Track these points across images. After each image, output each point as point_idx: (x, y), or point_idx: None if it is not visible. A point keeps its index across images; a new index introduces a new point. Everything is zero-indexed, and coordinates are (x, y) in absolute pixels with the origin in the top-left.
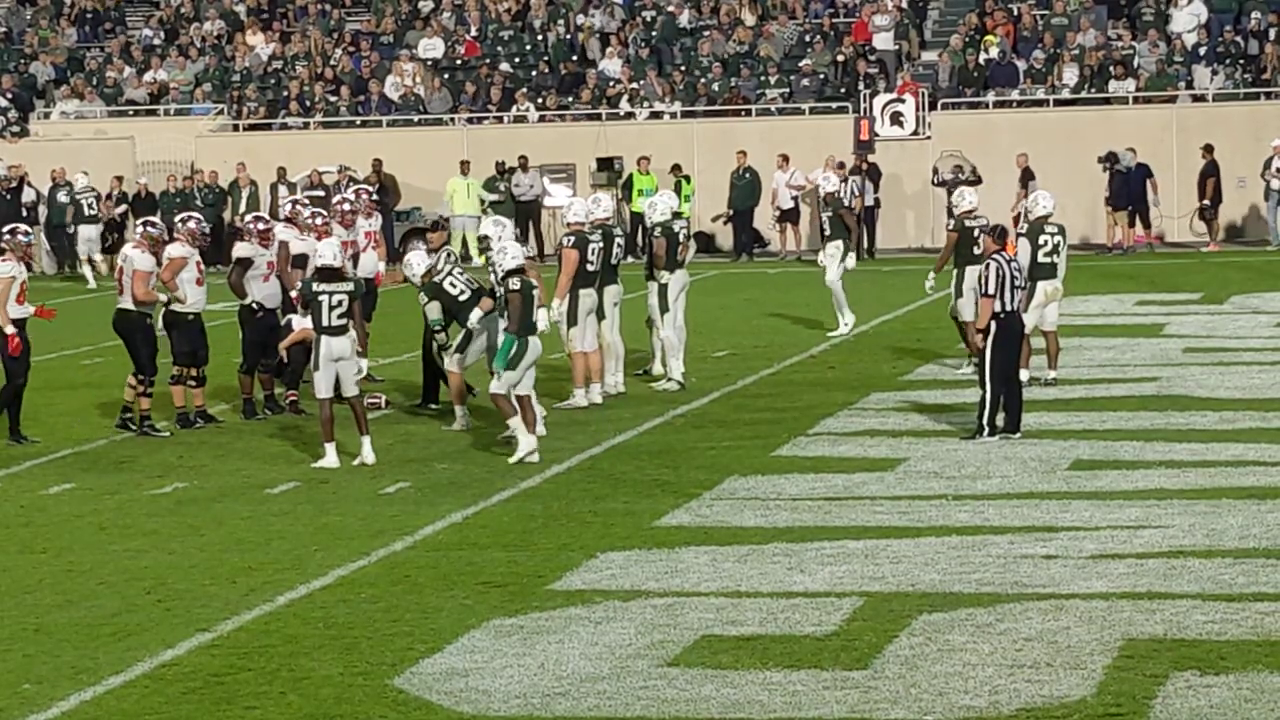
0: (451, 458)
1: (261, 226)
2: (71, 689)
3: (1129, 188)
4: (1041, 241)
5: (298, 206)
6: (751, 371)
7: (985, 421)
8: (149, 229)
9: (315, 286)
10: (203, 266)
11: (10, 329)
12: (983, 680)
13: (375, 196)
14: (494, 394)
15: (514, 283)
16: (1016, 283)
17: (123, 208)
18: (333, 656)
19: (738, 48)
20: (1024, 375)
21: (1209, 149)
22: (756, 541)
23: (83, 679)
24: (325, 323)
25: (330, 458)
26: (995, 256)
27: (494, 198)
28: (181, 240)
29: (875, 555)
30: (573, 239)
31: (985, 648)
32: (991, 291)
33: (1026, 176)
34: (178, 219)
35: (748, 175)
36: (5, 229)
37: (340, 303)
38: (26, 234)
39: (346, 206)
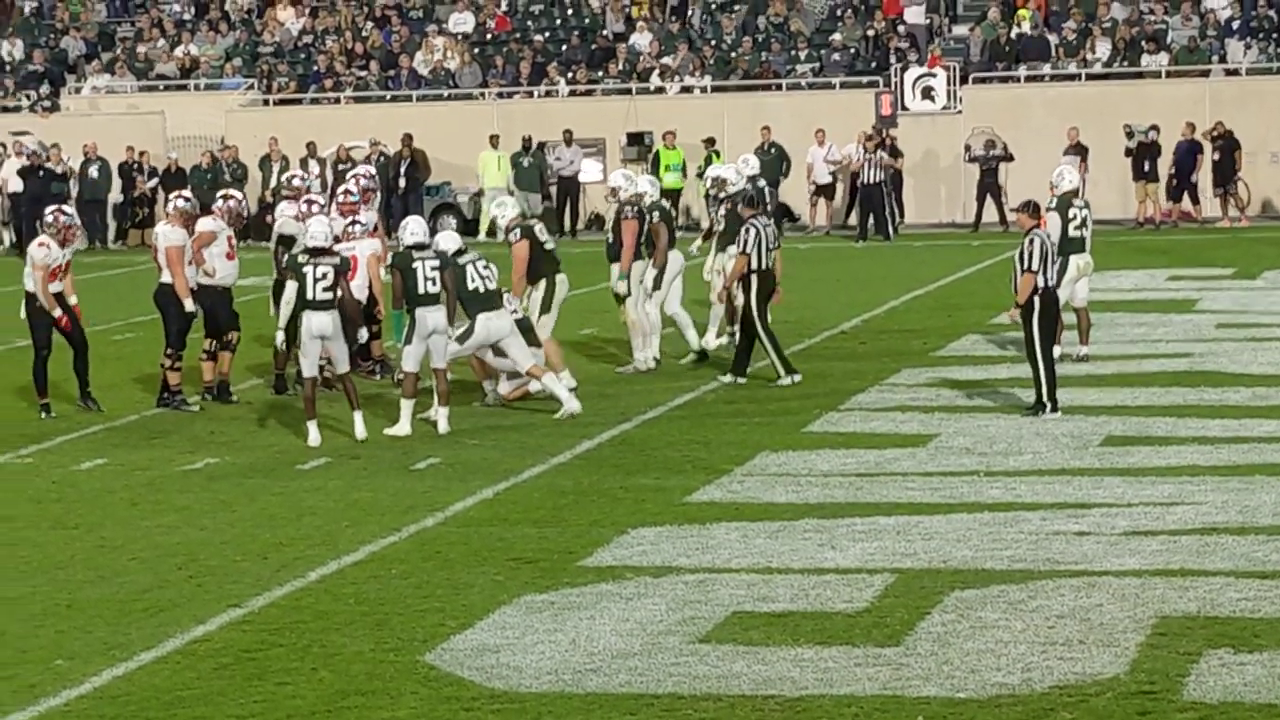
0: (481, 434)
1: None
2: (104, 665)
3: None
4: (1071, 215)
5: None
6: (783, 347)
7: (1047, 397)
8: (180, 203)
9: (301, 259)
10: (234, 241)
11: (58, 311)
12: (1015, 657)
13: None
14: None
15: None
16: (1055, 259)
17: (153, 182)
18: (364, 632)
19: (770, 21)
20: (1056, 351)
21: (1218, 126)
22: (788, 518)
23: (115, 654)
24: (310, 296)
25: (314, 436)
26: (1036, 232)
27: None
28: (215, 215)
29: (907, 531)
30: (634, 210)
31: (1018, 625)
32: (1035, 267)
33: (1077, 150)
34: (219, 195)
35: (773, 150)
36: (48, 210)
37: (325, 275)
38: (68, 215)
39: (351, 198)
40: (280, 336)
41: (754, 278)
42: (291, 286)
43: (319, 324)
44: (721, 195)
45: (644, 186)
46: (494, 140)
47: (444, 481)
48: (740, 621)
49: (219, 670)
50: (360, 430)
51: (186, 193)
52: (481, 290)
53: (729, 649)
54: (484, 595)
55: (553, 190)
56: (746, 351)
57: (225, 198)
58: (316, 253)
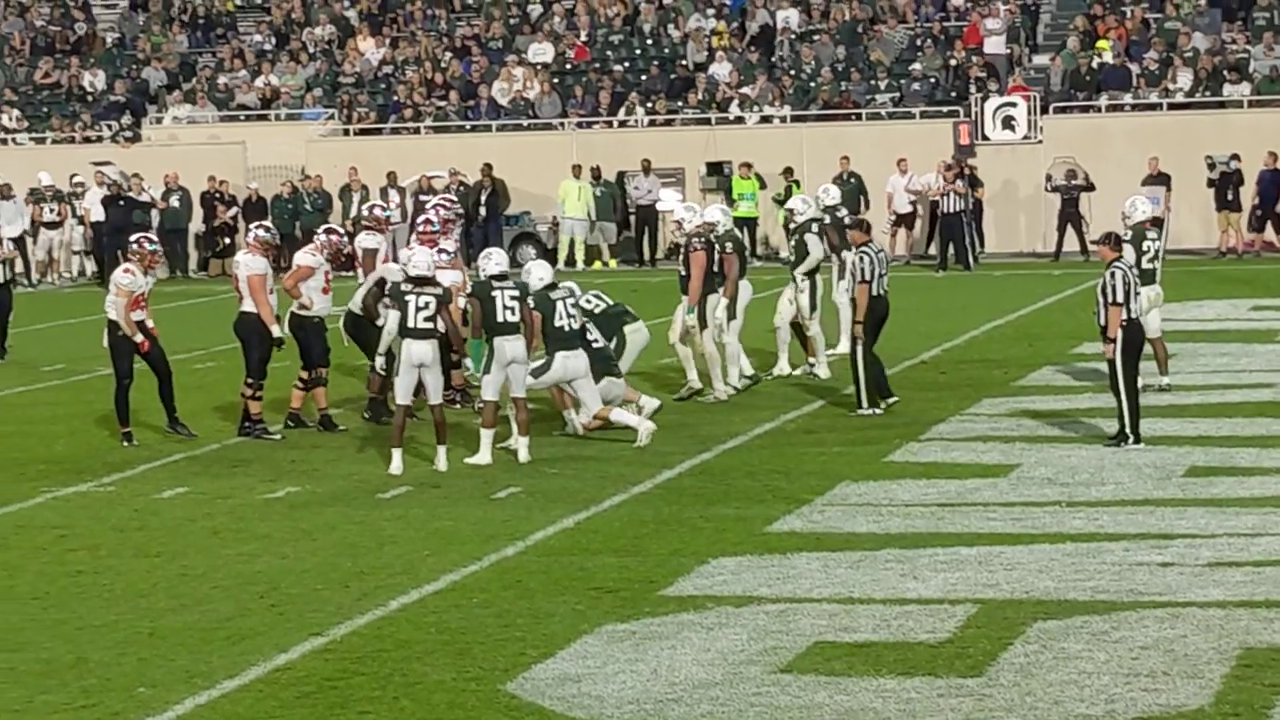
0: (562, 463)
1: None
2: (186, 693)
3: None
4: (1145, 247)
5: (376, 210)
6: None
7: (1130, 429)
8: (261, 233)
9: (404, 287)
10: (330, 275)
11: (139, 336)
12: (1099, 689)
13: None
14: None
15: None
16: (1136, 290)
17: (234, 211)
18: (445, 662)
19: (849, 51)
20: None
21: (1274, 155)
22: (869, 548)
23: (197, 683)
24: (410, 324)
25: (396, 464)
26: (1118, 264)
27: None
28: (315, 250)
29: (989, 562)
30: (701, 241)
31: (1101, 656)
32: (1120, 299)
33: (1156, 180)
34: (322, 230)
35: (852, 180)
36: (133, 238)
37: (427, 304)
38: (153, 242)
39: (429, 229)
40: (380, 362)
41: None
42: (393, 315)
43: (419, 352)
44: (791, 225)
45: (715, 216)
46: (575, 170)
47: (524, 510)
48: (822, 652)
49: (301, 699)
50: (442, 463)
51: (267, 223)
52: (566, 329)
53: (811, 679)
54: (565, 624)
55: (631, 220)
56: (879, 372)
57: (329, 232)
58: (419, 282)
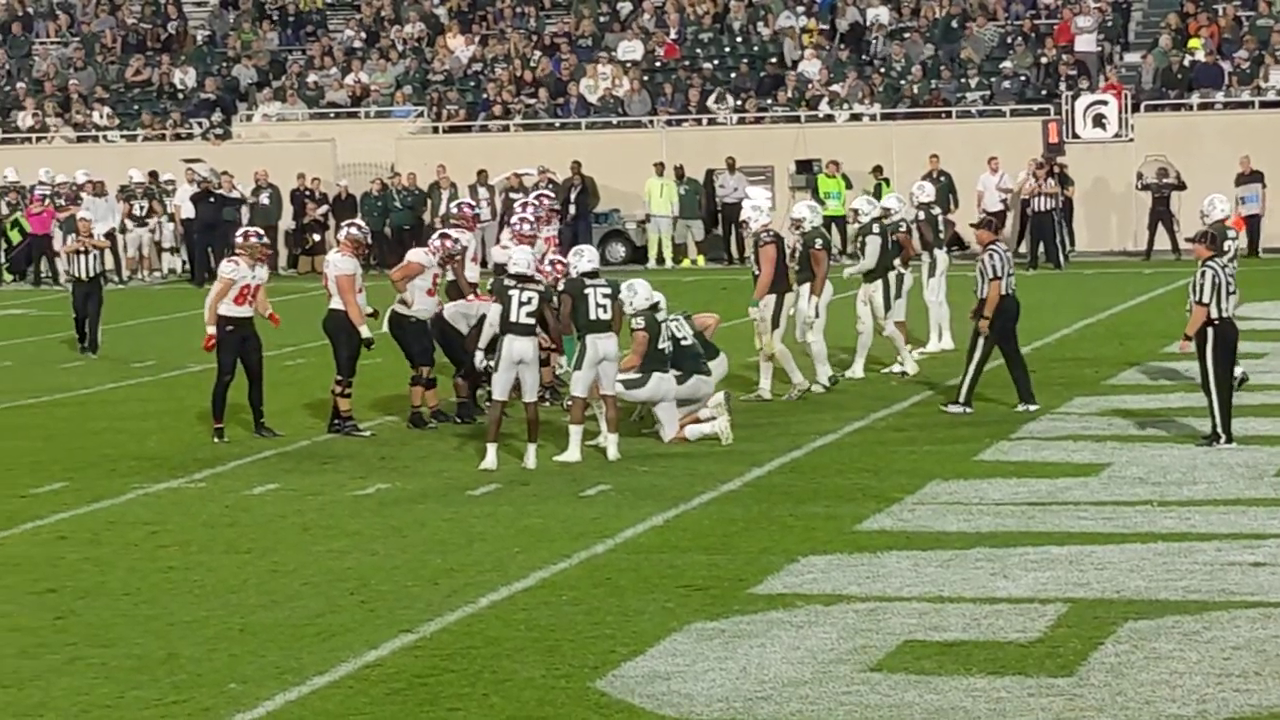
0: (651, 460)
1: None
2: (277, 688)
3: None
4: (1225, 246)
5: (465, 207)
6: (952, 375)
7: (1221, 429)
8: (353, 231)
9: (506, 283)
10: (438, 279)
11: (211, 328)
12: (1190, 689)
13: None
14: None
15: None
16: (1230, 288)
17: (324, 209)
18: (535, 659)
19: (938, 49)
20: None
21: None
22: (959, 546)
23: (287, 679)
24: (513, 319)
25: (490, 459)
26: (1210, 263)
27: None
28: (429, 251)
29: (1080, 561)
30: (770, 236)
31: (1193, 656)
32: (1207, 299)
33: (1250, 179)
34: (438, 234)
35: (942, 179)
36: (239, 232)
37: (530, 300)
38: (260, 236)
39: (525, 228)
40: (480, 357)
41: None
42: (495, 309)
43: (520, 349)
44: (857, 225)
45: (802, 212)
46: (659, 168)
47: (614, 508)
48: (912, 650)
49: (391, 695)
50: (531, 461)
51: (360, 221)
52: (666, 351)
53: (901, 678)
54: (654, 622)
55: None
56: (1023, 375)
57: (444, 237)
58: (520, 279)
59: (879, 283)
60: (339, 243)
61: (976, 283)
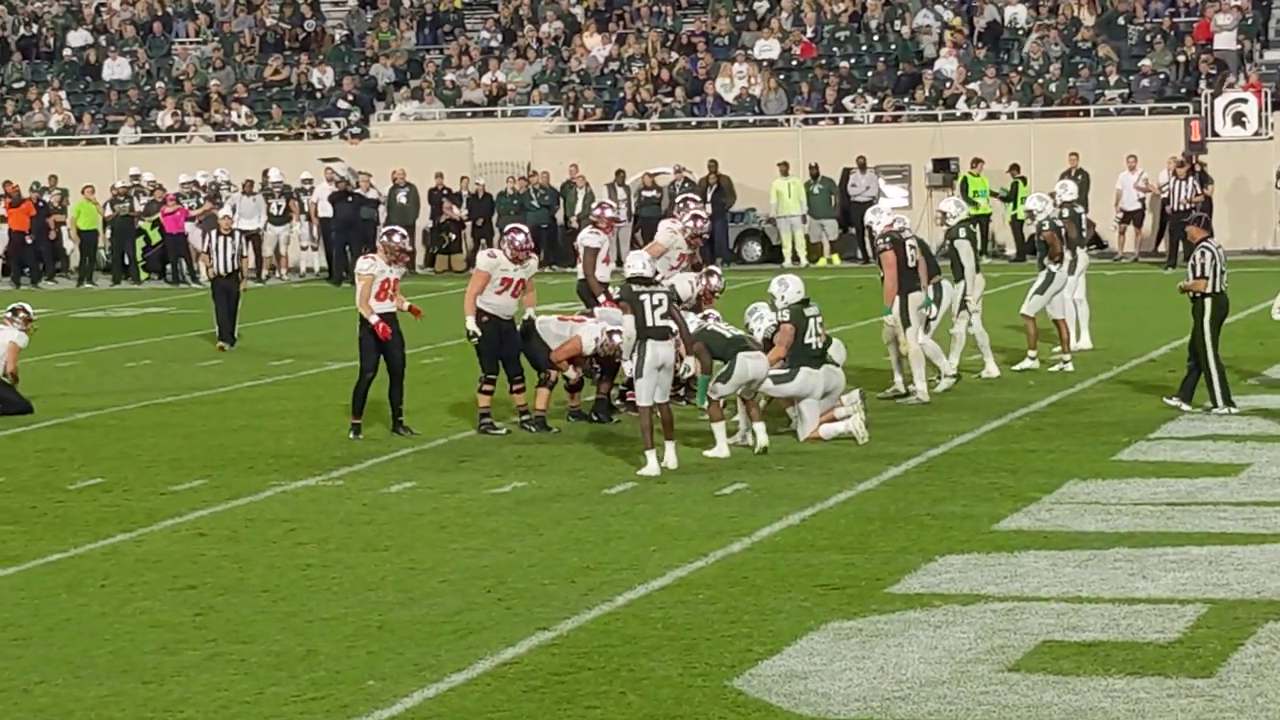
0: (788, 458)
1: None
2: (414, 686)
3: None
4: None
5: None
6: (1090, 375)
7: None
8: (516, 236)
9: (635, 288)
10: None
11: (374, 318)
12: None
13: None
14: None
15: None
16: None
17: (463, 211)
18: (672, 657)
19: (1078, 47)
20: None
21: None
22: (1097, 546)
23: (425, 676)
24: (649, 323)
25: (651, 465)
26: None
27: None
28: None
29: (1219, 562)
30: (888, 240)
31: None
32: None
33: None
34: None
35: (1080, 177)
36: (383, 230)
37: (660, 302)
38: (403, 236)
39: (608, 212)
40: (628, 367)
41: (1208, 301)
42: (628, 320)
43: (663, 354)
44: (945, 226)
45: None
46: (783, 167)
47: (750, 507)
48: (1050, 651)
49: (528, 693)
50: (671, 459)
51: (521, 224)
52: (814, 347)
53: (1039, 678)
54: (791, 621)
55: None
56: (1195, 376)
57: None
58: (642, 282)
59: (961, 284)
60: (489, 251)
61: (1188, 276)
